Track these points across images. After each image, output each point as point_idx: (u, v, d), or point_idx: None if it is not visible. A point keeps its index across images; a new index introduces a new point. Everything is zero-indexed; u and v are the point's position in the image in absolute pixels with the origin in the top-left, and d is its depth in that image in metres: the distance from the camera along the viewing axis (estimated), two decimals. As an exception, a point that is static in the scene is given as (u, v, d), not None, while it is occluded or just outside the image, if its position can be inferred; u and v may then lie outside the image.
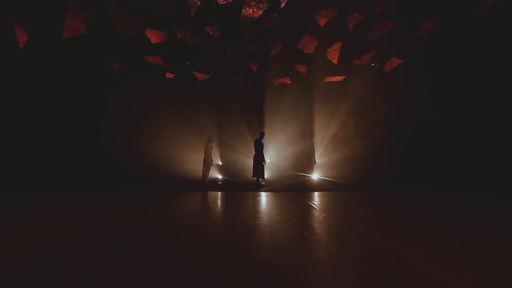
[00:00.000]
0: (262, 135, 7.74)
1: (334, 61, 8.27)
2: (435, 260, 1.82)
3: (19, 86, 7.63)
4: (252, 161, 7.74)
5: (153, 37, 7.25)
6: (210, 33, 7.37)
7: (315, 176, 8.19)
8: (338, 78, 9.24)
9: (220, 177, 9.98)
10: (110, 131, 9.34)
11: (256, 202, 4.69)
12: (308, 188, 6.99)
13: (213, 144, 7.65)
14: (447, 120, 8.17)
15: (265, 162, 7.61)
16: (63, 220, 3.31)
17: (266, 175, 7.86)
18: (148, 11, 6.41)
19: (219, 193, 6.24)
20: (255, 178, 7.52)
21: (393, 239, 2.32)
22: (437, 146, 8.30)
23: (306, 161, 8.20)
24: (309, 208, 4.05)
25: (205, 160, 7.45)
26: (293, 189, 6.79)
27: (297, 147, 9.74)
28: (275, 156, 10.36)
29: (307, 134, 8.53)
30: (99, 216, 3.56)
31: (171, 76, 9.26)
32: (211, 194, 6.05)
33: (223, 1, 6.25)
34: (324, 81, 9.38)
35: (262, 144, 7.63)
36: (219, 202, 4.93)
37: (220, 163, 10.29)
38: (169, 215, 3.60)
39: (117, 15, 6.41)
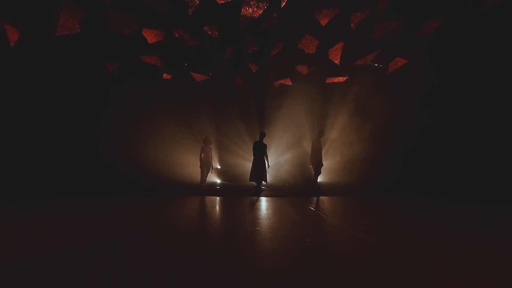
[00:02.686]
0: (262, 135, 7.12)
1: (336, 62, 8.08)
2: (442, 268, 1.78)
3: (10, 87, 7.42)
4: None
5: (150, 36, 7.08)
6: (209, 33, 7.20)
7: (317, 180, 7.88)
8: (340, 79, 9.04)
9: (218, 181, 9.71)
10: (105, 134, 9.11)
11: (256, 207, 4.52)
12: (309, 192, 6.76)
13: (211, 146, 7.30)
14: (450, 124, 7.96)
15: (268, 165, 7.18)
16: (62, 224, 3.28)
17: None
18: (145, 10, 6.26)
19: (218, 198, 5.99)
20: (254, 182, 7.17)
21: (398, 246, 2.26)
22: (440, 152, 8.07)
23: (314, 163, 7.47)
24: (311, 213, 3.94)
25: (202, 163, 7.13)
26: (294, 193, 6.59)
27: (298, 150, 9.51)
28: (276, 160, 10.11)
29: (316, 135, 7.73)
30: (95, 222, 3.41)
31: (168, 77, 9.07)
32: (209, 199, 5.81)
33: (222, 0, 6.08)
34: (326, 82, 9.19)
35: (263, 145, 7.07)
36: (217, 207, 4.76)
37: (219, 167, 10.02)
38: (167, 221, 3.48)
39: (113, 13, 6.25)
